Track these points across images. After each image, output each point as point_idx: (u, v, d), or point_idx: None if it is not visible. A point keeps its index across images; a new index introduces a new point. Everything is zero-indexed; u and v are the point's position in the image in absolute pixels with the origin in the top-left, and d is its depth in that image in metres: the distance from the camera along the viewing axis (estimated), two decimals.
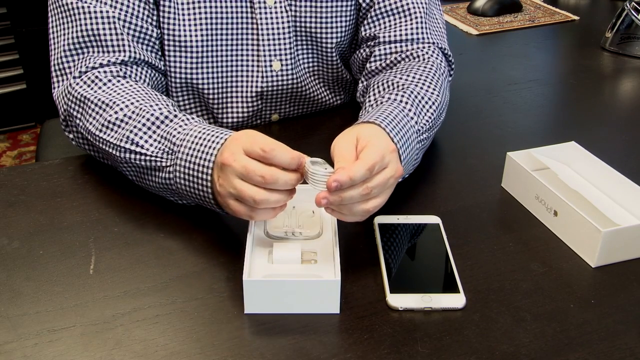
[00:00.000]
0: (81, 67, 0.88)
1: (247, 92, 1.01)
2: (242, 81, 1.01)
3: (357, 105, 1.14)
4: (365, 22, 1.01)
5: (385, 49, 0.99)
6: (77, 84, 0.87)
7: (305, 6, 0.99)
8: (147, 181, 0.83)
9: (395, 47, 0.98)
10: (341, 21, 1.01)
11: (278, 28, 0.98)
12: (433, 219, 0.82)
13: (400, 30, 0.99)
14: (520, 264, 0.76)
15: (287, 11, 0.98)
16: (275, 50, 0.99)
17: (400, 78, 0.90)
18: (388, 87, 0.90)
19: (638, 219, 0.81)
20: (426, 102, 0.87)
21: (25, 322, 0.68)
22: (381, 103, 0.85)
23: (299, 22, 1.00)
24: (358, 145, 0.73)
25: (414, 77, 0.90)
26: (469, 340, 0.66)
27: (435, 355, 0.64)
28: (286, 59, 1.00)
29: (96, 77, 0.87)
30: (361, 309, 0.70)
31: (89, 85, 0.86)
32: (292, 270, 0.73)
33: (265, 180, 0.68)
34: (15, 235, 0.80)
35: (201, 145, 0.75)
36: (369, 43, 1.02)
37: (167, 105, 0.83)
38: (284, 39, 0.99)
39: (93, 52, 0.89)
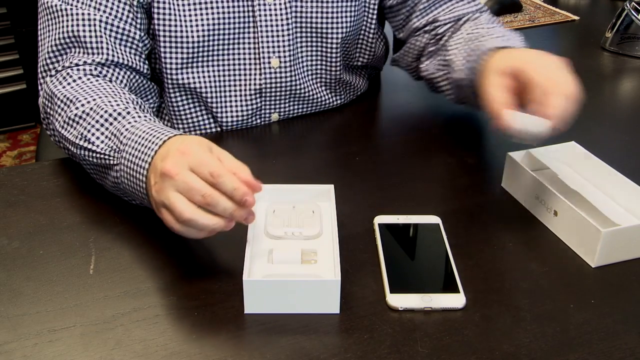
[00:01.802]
0: (58, 67, 0.89)
1: (246, 89, 1.01)
2: (241, 78, 1.01)
3: (357, 105, 1.15)
4: (416, 12, 1.06)
5: (448, 27, 1.04)
6: (52, 82, 0.87)
7: (311, 1, 0.99)
8: (104, 180, 0.82)
9: (457, 21, 1.05)
10: (347, 16, 1.02)
11: (277, 25, 0.98)
12: (433, 219, 0.82)
13: (458, 10, 1.05)
14: (520, 264, 0.76)
15: (287, 8, 0.98)
16: (274, 47, 0.99)
17: (480, 28, 0.99)
18: (470, 34, 0.98)
19: (638, 219, 0.81)
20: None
21: (25, 322, 0.68)
22: (475, 39, 0.94)
23: (304, 18, 1.00)
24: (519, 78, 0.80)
25: (486, 26, 0.99)
26: (469, 340, 0.66)
27: (435, 355, 0.64)
28: (285, 56, 1.01)
29: (68, 74, 0.87)
30: (361, 309, 0.70)
31: (60, 83, 0.86)
32: (292, 270, 0.73)
33: (204, 200, 0.66)
34: (15, 235, 0.80)
35: (141, 145, 0.74)
36: (426, 28, 1.06)
37: (127, 102, 0.82)
38: (283, 35, 0.99)
39: (73, 52, 0.89)
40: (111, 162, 0.78)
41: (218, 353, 0.64)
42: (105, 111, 0.80)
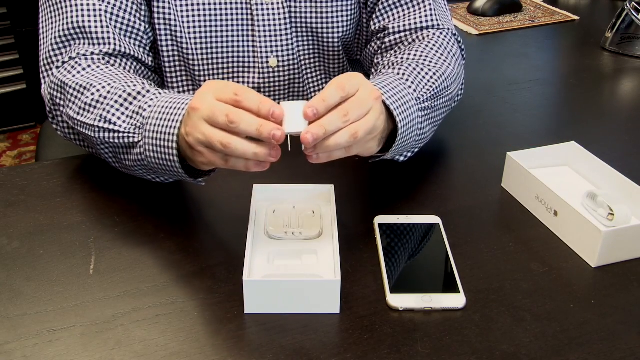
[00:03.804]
0: (65, 57, 0.88)
1: None
2: (239, 77, 1.01)
3: None
4: (374, 15, 1.01)
5: (395, 38, 0.99)
6: (60, 72, 0.87)
7: (305, 1, 0.99)
8: (125, 161, 0.82)
9: (405, 35, 0.98)
10: (342, 15, 1.01)
11: (274, 24, 0.98)
12: (433, 219, 0.82)
13: (410, 19, 0.98)
14: (520, 264, 0.76)
15: (284, 7, 0.98)
16: (271, 46, 0.99)
17: (402, 57, 0.91)
18: (387, 66, 0.91)
19: (638, 219, 0.81)
20: (426, 73, 0.87)
21: (25, 322, 0.68)
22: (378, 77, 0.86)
23: (299, 18, 1.00)
24: None
25: (414, 55, 0.91)
26: (469, 340, 0.66)
27: (435, 355, 0.64)
28: (283, 56, 1.01)
29: (76, 63, 0.87)
30: (361, 309, 0.70)
31: (69, 72, 0.86)
32: (292, 270, 0.73)
33: (229, 119, 0.66)
34: (15, 235, 0.80)
35: (166, 114, 0.74)
36: (379, 35, 1.02)
37: (143, 83, 0.82)
38: (281, 35, 0.99)
39: (78, 43, 0.89)
40: (135, 139, 0.78)
41: (218, 353, 0.64)
42: (124, 91, 0.80)
